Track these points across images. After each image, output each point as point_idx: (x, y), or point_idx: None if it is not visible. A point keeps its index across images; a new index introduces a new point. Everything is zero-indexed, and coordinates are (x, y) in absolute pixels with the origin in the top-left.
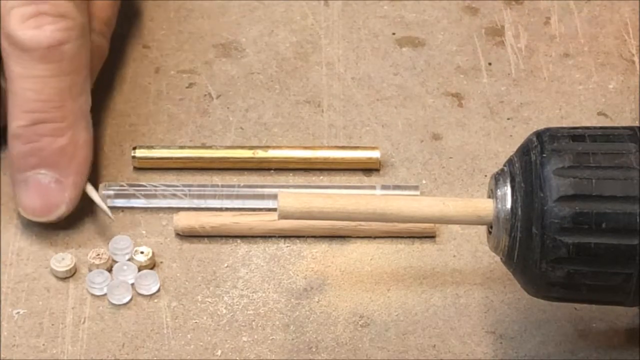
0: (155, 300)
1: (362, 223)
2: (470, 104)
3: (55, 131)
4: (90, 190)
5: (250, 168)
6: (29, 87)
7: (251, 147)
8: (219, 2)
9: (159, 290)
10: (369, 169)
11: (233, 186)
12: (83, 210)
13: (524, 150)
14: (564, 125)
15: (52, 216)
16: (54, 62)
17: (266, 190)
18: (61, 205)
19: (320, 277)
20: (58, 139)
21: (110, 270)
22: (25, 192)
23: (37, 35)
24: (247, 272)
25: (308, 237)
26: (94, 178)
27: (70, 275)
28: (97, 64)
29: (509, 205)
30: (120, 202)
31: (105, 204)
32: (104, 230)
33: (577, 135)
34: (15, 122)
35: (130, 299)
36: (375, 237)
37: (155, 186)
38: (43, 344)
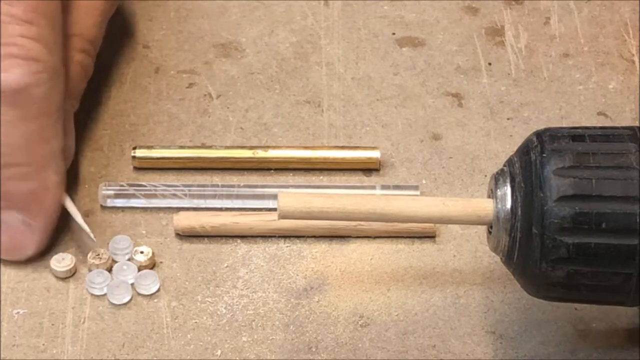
0: (155, 300)
1: (362, 223)
2: (470, 104)
3: (22, 175)
4: (75, 213)
5: (250, 168)
6: None
7: (251, 147)
8: (219, 2)
9: (158, 290)
10: (368, 169)
11: (233, 186)
12: (83, 211)
13: (524, 150)
14: (564, 125)
15: (20, 256)
16: (22, 106)
17: (266, 190)
18: (29, 246)
19: (320, 277)
20: (26, 183)
21: (110, 270)
22: None
23: (5, 78)
24: (247, 272)
25: (308, 237)
26: (94, 178)
27: (70, 275)
28: (81, 84)
29: (509, 205)
30: (120, 202)
31: (89, 226)
32: (104, 230)
33: (577, 135)
34: None
35: (130, 299)
36: (375, 237)
37: (155, 186)
38: (43, 344)
